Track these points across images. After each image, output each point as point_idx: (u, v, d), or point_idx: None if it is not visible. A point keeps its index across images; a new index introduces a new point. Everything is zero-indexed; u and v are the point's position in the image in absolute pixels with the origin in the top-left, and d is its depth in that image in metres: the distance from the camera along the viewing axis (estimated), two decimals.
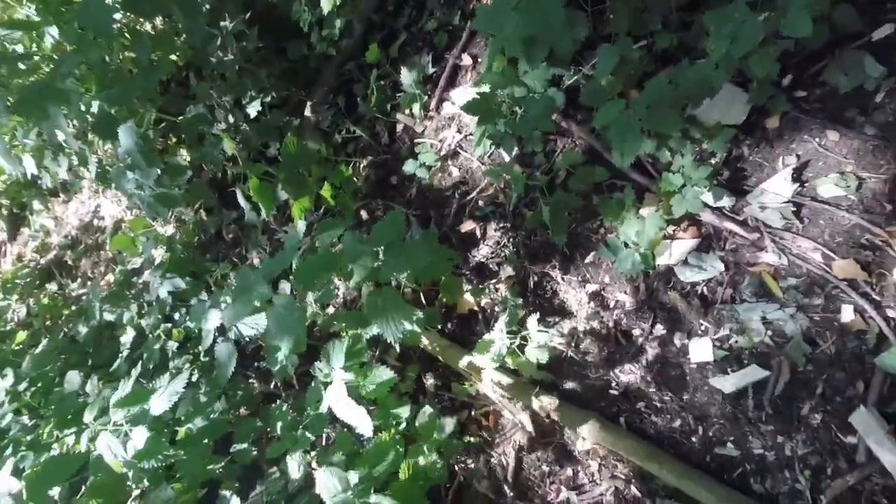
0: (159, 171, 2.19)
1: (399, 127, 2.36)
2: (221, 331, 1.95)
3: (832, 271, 1.43)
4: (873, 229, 1.40)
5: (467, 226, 2.07)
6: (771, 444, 1.43)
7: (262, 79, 2.19)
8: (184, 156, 2.59)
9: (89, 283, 3.63)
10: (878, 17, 1.49)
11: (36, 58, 2.22)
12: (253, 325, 1.63)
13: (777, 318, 1.47)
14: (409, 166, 2.18)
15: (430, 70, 2.29)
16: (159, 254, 2.88)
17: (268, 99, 2.40)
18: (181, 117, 2.15)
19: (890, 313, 1.35)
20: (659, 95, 1.41)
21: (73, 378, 1.87)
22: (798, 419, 1.41)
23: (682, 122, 1.43)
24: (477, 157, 2.10)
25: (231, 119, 2.19)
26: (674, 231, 1.64)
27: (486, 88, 2.06)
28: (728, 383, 1.50)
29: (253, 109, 2.35)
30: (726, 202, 1.58)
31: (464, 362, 1.79)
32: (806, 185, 1.50)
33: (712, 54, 1.28)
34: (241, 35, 2.06)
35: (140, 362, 2.33)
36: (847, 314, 1.40)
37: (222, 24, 2.02)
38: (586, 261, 1.81)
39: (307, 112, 2.50)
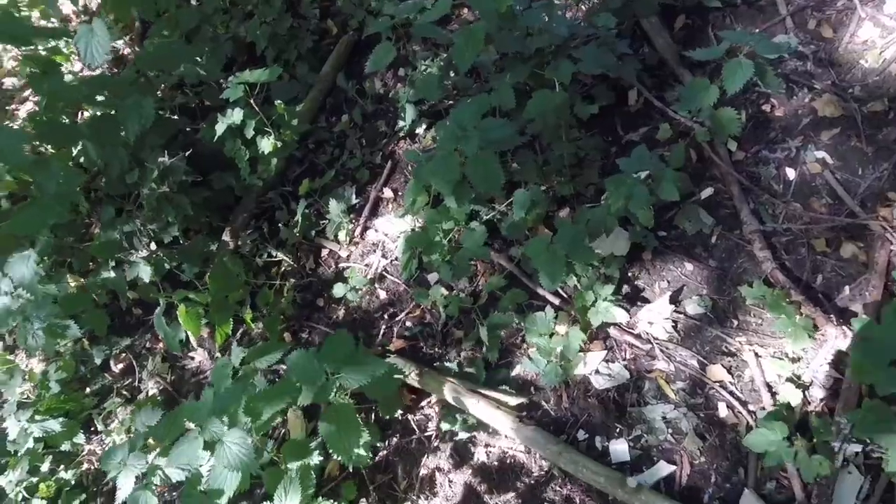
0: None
1: (324, 252, 2.47)
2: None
3: (707, 375, 1.79)
4: (728, 339, 1.81)
5: (397, 344, 2.17)
6: None
7: (184, 206, 2.18)
8: (73, 285, 2.36)
9: None
10: (702, 182, 2.05)
11: None
12: (185, 468, 1.49)
13: (674, 416, 1.77)
14: (338, 289, 2.26)
15: (354, 201, 2.49)
16: (17, 394, 2.46)
17: (184, 226, 2.37)
18: (89, 244, 2.03)
19: (751, 407, 1.71)
20: (572, 234, 1.74)
21: None
22: None
23: (593, 255, 1.77)
24: (403, 280, 2.27)
25: (153, 246, 2.12)
26: (586, 345, 1.92)
27: (408, 219, 2.31)
28: (644, 479, 1.72)
29: (168, 236, 2.30)
30: (623, 318, 1.92)
31: None
32: (680, 304, 1.91)
33: (611, 205, 1.66)
34: (166, 167, 2.08)
35: None
36: (722, 410, 1.74)
37: (160, 159, 2.04)
38: (513, 373, 2.00)
39: (225, 237, 2.50)
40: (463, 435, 1.93)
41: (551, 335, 1.92)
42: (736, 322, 1.83)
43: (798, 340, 1.66)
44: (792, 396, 1.65)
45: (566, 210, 2.16)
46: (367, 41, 2.82)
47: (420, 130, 2.52)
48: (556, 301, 2.01)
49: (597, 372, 1.90)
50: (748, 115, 2.09)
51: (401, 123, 2.50)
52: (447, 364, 2.04)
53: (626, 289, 1.99)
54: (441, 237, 1.95)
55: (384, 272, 2.34)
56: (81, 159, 2.28)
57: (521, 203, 1.96)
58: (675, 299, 1.91)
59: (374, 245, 2.41)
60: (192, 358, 2.46)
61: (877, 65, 1.99)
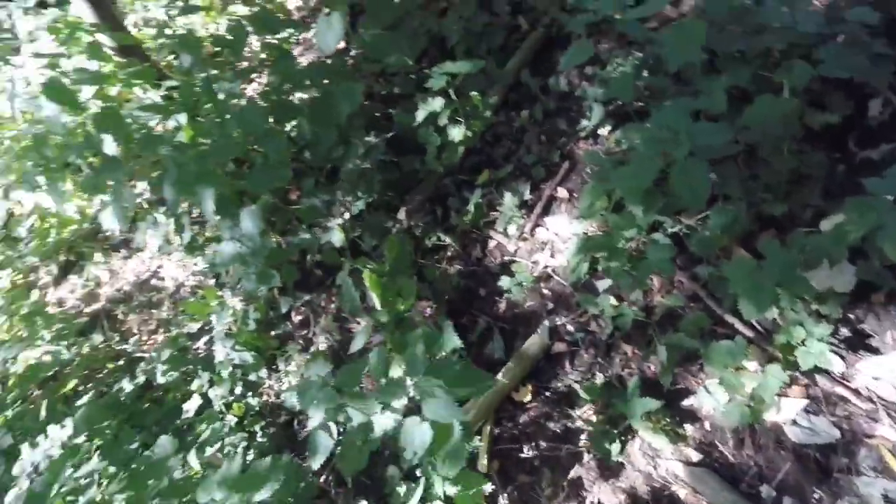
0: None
1: (491, 243, 2.50)
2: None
3: None
4: None
5: (557, 347, 2.10)
6: None
7: (375, 184, 2.38)
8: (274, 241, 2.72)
9: (133, 339, 3.62)
10: None
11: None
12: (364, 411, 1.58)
13: None
14: (504, 282, 2.27)
15: (527, 197, 2.48)
16: (224, 325, 2.91)
17: (370, 200, 2.58)
18: (296, 206, 2.32)
19: None
20: (783, 260, 1.52)
21: (165, 444, 1.81)
22: None
23: (808, 287, 1.53)
24: (570, 283, 2.20)
25: (347, 215, 2.35)
26: (783, 388, 1.67)
27: (583, 222, 2.23)
28: None
29: (356, 209, 2.53)
30: (837, 366, 1.63)
31: None
32: None
33: (847, 233, 1.41)
34: (371, 146, 2.29)
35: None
36: None
37: (365, 138, 2.26)
38: (682, 404, 1.82)
39: (401, 216, 2.66)
40: (617, 455, 1.81)
41: (738, 369, 1.70)
42: None
43: None
44: None
45: (771, 232, 1.90)
46: (557, 39, 2.80)
47: (603, 132, 2.42)
48: (749, 333, 1.77)
49: (794, 422, 1.63)
50: None
51: (583, 123, 2.42)
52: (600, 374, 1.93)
53: (844, 332, 1.68)
54: (624, 244, 1.84)
55: (551, 272, 2.29)
56: (293, 133, 2.62)
57: (721, 219, 1.78)
58: None
59: (543, 243, 2.37)
60: (358, 322, 2.67)
61: None
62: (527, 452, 1.98)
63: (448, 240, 2.56)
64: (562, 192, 2.45)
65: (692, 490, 1.67)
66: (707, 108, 1.79)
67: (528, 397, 2.03)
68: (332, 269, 2.79)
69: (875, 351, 1.62)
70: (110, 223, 2.59)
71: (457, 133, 2.25)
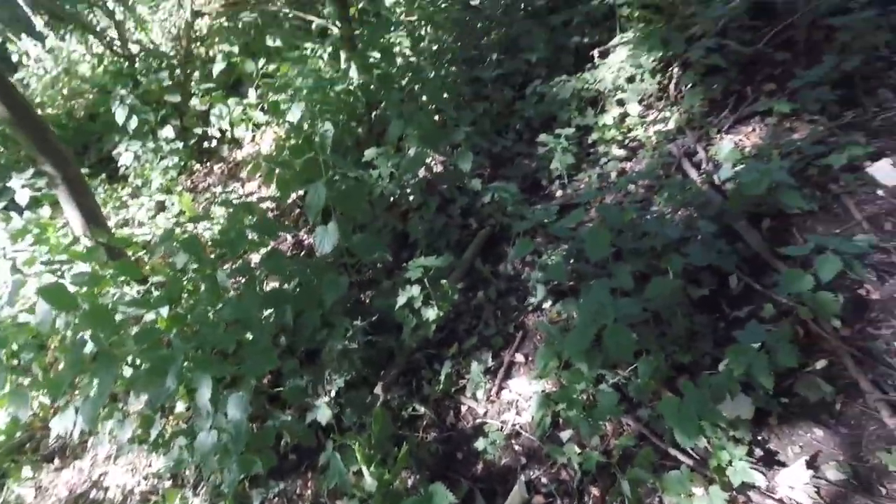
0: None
1: (463, 408, 2.81)
2: None
3: None
4: None
5: (536, 500, 2.32)
6: None
7: (356, 361, 2.71)
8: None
9: None
10: (813, 354, 2.28)
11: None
12: None
13: None
14: (479, 443, 2.54)
15: (490, 364, 2.91)
16: None
17: (348, 378, 2.87)
18: (281, 389, 2.55)
19: None
20: (697, 396, 2.01)
21: None
22: None
23: (720, 416, 1.99)
24: (537, 437, 2.52)
25: (332, 394, 2.60)
26: None
27: (541, 381, 2.66)
28: None
29: (337, 386, 2.79)
30: (761, 482, 2.01)
31: None
32: (818, 469, 1.99)
33: (733, 371, 1.95)
34: (355, 328, 2.68)
35: None
36: None
37: (355, 322, 2.66)
38: None
39: (377, 390, 2.94)
40: None
41: (690, 495, 2.03)
42: (885, 490, 1.87)
43: None
44: None
45: (685, 376, 2.43)
46: (500, 235, 3.58)
47: (546, 305, 3.02)
48: (689, 462, 2.15)
49: None
50: (846, 298, 2.39)
51: (530, 299, 3.02)
52: None
53: (758, 452, 2.11)
54: (577, 395, 2.27)
55: (519, 429, 2.60)
56: (271, 319, 2.97)
57: (647, 368, 2.29)
58: (811, 464, 2.00)
59: (508, 403, 2.73)
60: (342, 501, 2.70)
61: None
62: None
63: (423, 409, 2.83)
64: (519, 357, 2.91)
65: None
66: (620, 286, 2.45)
67: None
68: (308, 452, 2.90)
69: (783, 464, 2.04)
70: (67, 426, 2.62)
71: (431, 313, 2.73)
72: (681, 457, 2.17)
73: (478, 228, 3.65)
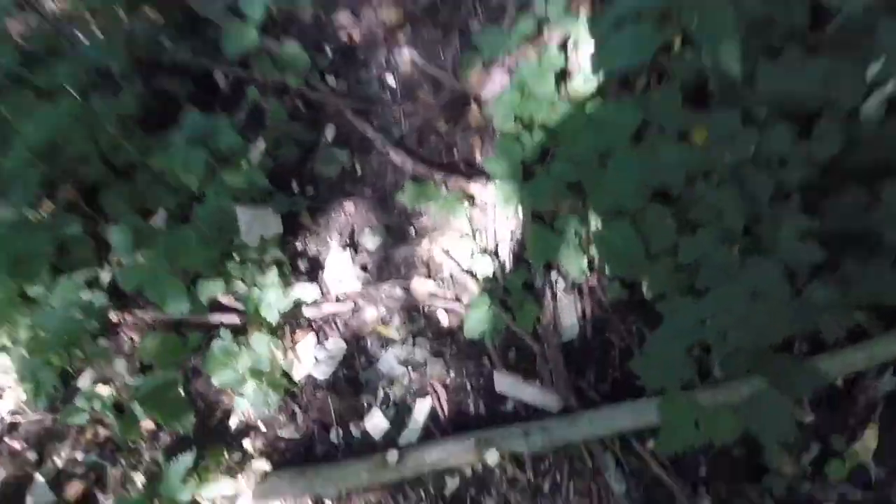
0: None
1: None
2: None
3: (414, 294, 1.64)
4: (416, 250, 1.69)
5: (74, 490, 1.53)
6: None
7: None
8: None
9: None
10: (322, 124, 1.90)
11: None
12: None
13: (406, 354, 1.58)
14: None
15: None
16: None
17: None
18: None
19: (464, 299, 1.62)
20: (176, 240, 1.39)
21: None
22: (471, 420, 1.50)
23: (209, 250, 1.44)
24: (45, 408, 1.63)
25: None
26: (292, 342, 1.61)
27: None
28: (412, 433, 1.49)
29: None
30: (314, 293, 1.66)
31: None
32: (357, 246, 1.72)
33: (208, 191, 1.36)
34: None
35: None
36: (444, 318, 1.61)
37: None
38: (233, 428, 1.58)
39: None
40: None
41: (243, 357, 1.55)
42: (413, 230, 1.73)
43: (458, 213, 1.62)
44: (485, 268, 1.59)
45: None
46: None
47: None
48: (225, 319, 1.64)
49: (316, 361, 1.60)
50: (332, 49, 2.01)
51: None
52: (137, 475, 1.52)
53: (304, 265, 1.73)
54: (25, 332, 1.40)
55: (13, 418, 1.65)
56: None
57: (121, 241, 1.52)
58: (350, 243, 1.73)
59: None
60: None
61: None
62: None
63: None
64: None
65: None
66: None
67: None
68: None
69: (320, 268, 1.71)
70: None
71: None
72: (224, 318, 1.64)
73: None
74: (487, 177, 1.68)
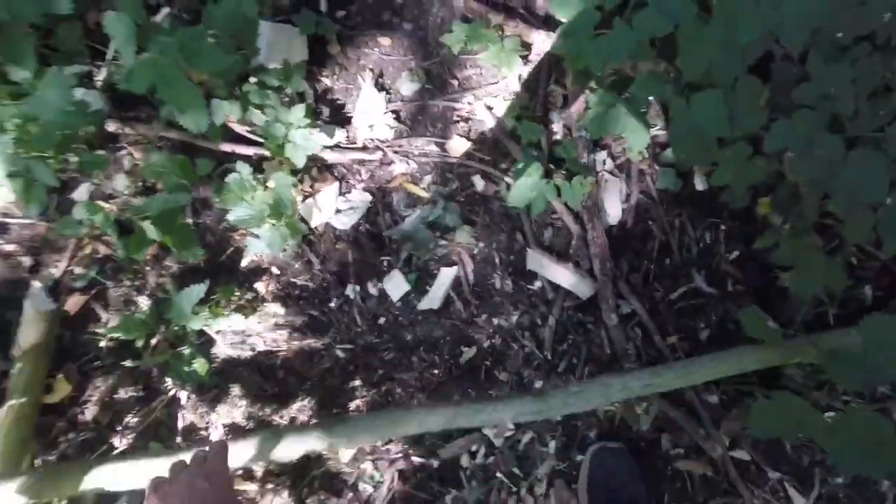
0: None
1: None
2: None
3: (449, 153, 1.49)
4: (456, 105, 1.50)
5: (74, 302, 1.48)
6: (492, 330, 1.44)
7: None
8: None
9: None
10: None
11: None
12: None
13: (435, 216, 1.46)
14: None
15: None
16: None
17: None
18: None
19: (503, 165, 1.47)
20: (191, 40, 1.18)
21: None
22: (496, 294, 1.44)
23: (231, 59, 1.22)
24: (38, 216, 1.52)
25: None
26: (311, 187, 1.48)
27: None
28: (433, 299, 1.44)
29: None
30: (340, 136, 1.49)
31: None
32: (390, 90, 1.52)
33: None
34: None
35: None
36: (479, 184, 1.48)
37: None
38: (241, 267, 1.50)
39: None
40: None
41: (262, 194, 1.42)
42: (456, 82, 1.52)
43: (512, 65, 1.40)
44: (532, 133, 1.43)
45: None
46: None
47: None
48: (252, 152, 1.48)
49: (337, 212, 1.48)
50: None
51: None
52: (141, 298, 1.46)
53: (330, 98, 1.53)
54: (12, 126, 1.22)
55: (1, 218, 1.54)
56: None
57: (121, 33, 1.28)
58: (382, 86, 1.52)
59: None
60: None
61: None
62: (120, 443, 1.43)
63: None
64: None
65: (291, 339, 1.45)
66: None
67: (68, 388, 1.42)
68: None
69: (346, 109, 1.52)
70: None
71: None
72: (239, 148, 1.47)
73: None
74: (549, 27, 1.45)
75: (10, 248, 1.48)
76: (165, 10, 1.43)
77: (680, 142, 1.21)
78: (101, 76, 1.41)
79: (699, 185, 1.42)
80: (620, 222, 1.44)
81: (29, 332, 1.36)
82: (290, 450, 1.23)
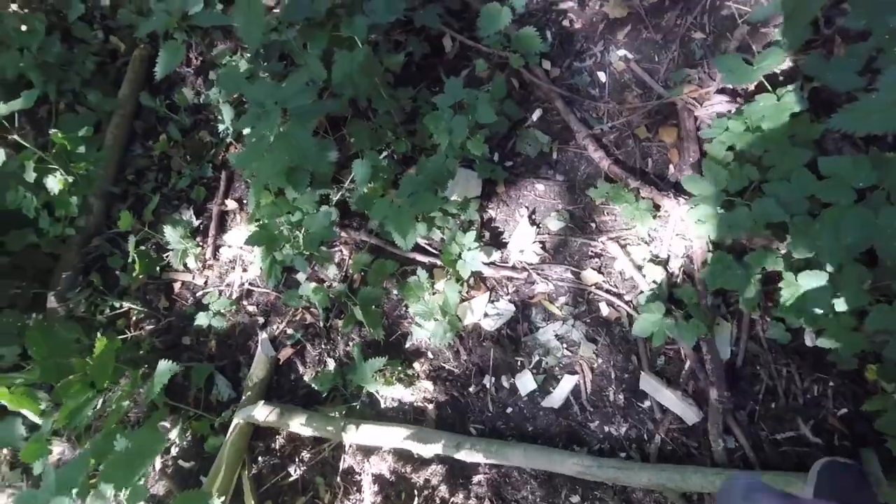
0: None
1: (177, 286, 2.21)
2: None
3: (582, 281, 1.83)
4: (592, 243, 1.86)
5: (284, 354, 1.99)
6: (602, 436, 1.67)
7: None
8: None
9: None
10: (530, 105, 2.08)
11: None
12: None
13: (564, 331, 1.79)
14: (200, 319, 2.03)
15: (196, 223, 2.25)
16: None
17: None
18: None
19: (627, 297, 1.77)
20: (414, 186, 1.68)
21: None
22: (609, 405, 1.70)
23: (439, 201, 1.72)
24: (271, 287, 2.09)
25: None
26: (468, 293, 1.89)
27: (262, 223, 2.13)
28: (555, 400, 1.73)
29: None
30: (496, 256, 1.91)
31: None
32: (540, 225, 1.93)
33: (440, 144, 1.62)
34: None
35: None
36: (604, 309, 1.79)
37: None
38: (406, 348, 1.92)
39: (51, 303, 2.14)
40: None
41: (433, 293, 1.86)
42: (594, 225, 1.89)
43: (644, 222, 1.73)
44: (656, 275, 1.73)
45: (414, 168, 2.11)
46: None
47: (247, 130, 2.33)
48: (427, 260, 1.95)
49: (486, 315, 1.87)
50: (553, 34, 2.15)
51: (221, 128, 2.28)
52: (330, 360, 1.92)
53: (492, 225, 1.97)
54: (286, 230, 1.80)
55: (249, 286, 2.14)
56: None
57: (362, 173, 1.87)
58: (534, 221, 1.93)
59: (231, 262, 2.20)
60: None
61: None
62: (294, 472, 1.85)
63: (126, 304, 2.16)
64: (231, 204, 2.29)
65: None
66: (311, 79, 1.85)
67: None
68: None
69: (503, 235, 1.94)
70: None
71: (55, 183, 1.86)
72: (421, 258, 1.95)
73: (130, 50, 2.55)
74: (677, 193, 1.78)
75: (251, 308, 2.05)
76: (375, 155, 2.00)
77: (790, 307, 1.44)
78: (336, 196, 1.99)
79: (808, 341, 1.60)
80: (728, 362, 1.65)
81: (259, 370, 1.87)
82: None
